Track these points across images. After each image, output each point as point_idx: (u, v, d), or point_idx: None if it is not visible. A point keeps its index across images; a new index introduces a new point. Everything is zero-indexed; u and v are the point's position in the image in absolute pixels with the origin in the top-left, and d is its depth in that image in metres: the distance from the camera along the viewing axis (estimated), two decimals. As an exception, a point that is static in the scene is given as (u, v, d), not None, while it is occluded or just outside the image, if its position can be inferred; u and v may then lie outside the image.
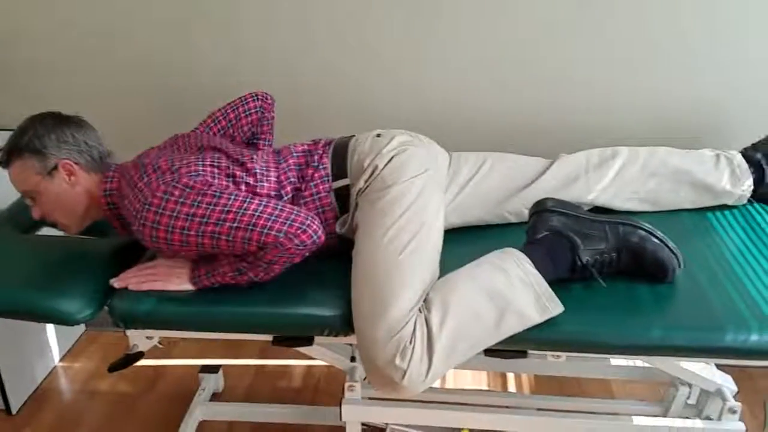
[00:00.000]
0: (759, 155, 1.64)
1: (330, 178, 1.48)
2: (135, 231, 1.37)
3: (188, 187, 1.33)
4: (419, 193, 1.40)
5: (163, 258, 1.46)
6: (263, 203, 1.31)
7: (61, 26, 1.93)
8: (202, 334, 1.47)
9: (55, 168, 1.45)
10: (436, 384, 2.00)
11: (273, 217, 1.28)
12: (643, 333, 1.30)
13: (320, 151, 1.52)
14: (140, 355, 1.49)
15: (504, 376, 2.11)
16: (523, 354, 1.38)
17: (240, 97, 1.69)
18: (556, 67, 1.86)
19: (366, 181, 1.44)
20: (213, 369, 2.03)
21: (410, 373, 1.25)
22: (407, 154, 1.46)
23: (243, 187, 1.42)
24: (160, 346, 1.54)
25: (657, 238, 1.38)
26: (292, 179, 1.48)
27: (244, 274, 1.36)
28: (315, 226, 1.30)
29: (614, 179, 1.61)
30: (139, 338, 1.48)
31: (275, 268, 1.35)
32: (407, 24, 1.84)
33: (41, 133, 1.44)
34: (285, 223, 1.28)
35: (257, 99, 1.69)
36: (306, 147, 1.55)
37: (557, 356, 1.41)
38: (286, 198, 1.46)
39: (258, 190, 1.43)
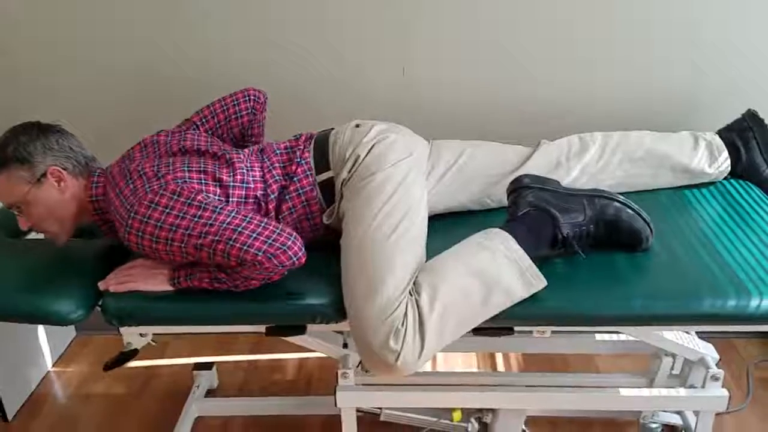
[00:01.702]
0: (734, 135, 1.69)
1: (313, 171, 1.51)
2: (121, 237, 1.38)
3: (175, 194, 1.34)
4: (403, 178, 1.43)
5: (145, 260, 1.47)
6: (247, 219, 1.32)
7: (44, 33, 1.93)
8: (195, 329, 1.49)
9: (44, 175, 1.45)
10: (428, 367, 2.06)
11: (254, 235, 1.29)
12: (625, 303, 1.34)
13: (302, 146, 1.54)
14: (135, 352, 1.51)
15: (493, 357, 2.15)
16: (509, 331, 1.42)
17: (232, 96, 1.68)
18: (535, 58, 1.89)
19: (349, 171, 1.47)
20: (206, 366, 2.05)
21: (404, 354, 1.28)
22: (388, 141, 1.49)
23: (230, 190, 1.43)
24: (154, 343, 1.56)
25: (631, 208, 1.43)
26: (277, 177, 1.50)
27: (222, 283, 1.38)
28: (296, 248, 1.31)
29: (595, 165, 1.64)
30: (133, 336, 1.50)
31: (252, 283, 1.36)
32: (386, 16, 1.86)
33: (25, 142, 1.44)
34: (265, 242, 1.29)
35: (249, 99, 1.68)
36: (288, 144, 1.57)
37: (542, 332, 1.44)
38: (272, 196, 1.48)
39: (245, 191, 1.45)
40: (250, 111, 1.69)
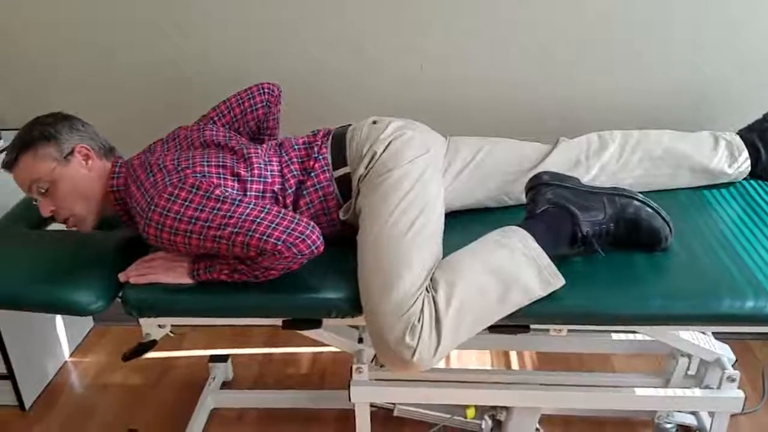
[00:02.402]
0: (754, 135, 1.68)
1: (330, 167, 1.51)
2: (140, 229, 1.39)
3: (194, 188, 1.35)
4: (420, 174, 1.44)
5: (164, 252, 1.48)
6: (266, 210, 1.33)
7: (62, 25, 1.95)
8: (213, 321, 1.50)
9: (71, 153, 1.46)
10: (442, 364, 2.05)
11: (273, 225, 1.30)
12: (643, 303, 1.34)
13: (319, 142, 1.54)
14: (153, 343, 1.52)
15: (507, 355, 2.15)
16: (525, 329, 1.42)
17: (247, 90, 1.69)
18: (554, 55, 1.89)
19: (366, 167, 1.47)
20: (222, 358, 2.07)
21: (420, 350, 1.28)
22: (405, 137, 1.49)
23: (248, 185, 1.44)
24: (172, 335, 1.57)
25: (651, 207, 1.42)
26: (294, 172, 1.51)
27: (242, 274, 1.39)
28: (314, 237, 1.32)
29: (615, 163, 1.63)
30: (152, 327, 1.51)
31: (272, 273, 1.37)
32: (403, 12, 1.87)
33: (51, 122, 1.46)
34: (285, 232, 1.30)
35: (263, 93, 1.69)
36: (306, 139, 1.57)
37: (559, 330, 1.44)
38: (290, 191, 1.49)
39: (262, 185, 1.46)
40: (264, 104, 1.70)
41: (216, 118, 1.67)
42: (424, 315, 1.29)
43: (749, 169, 1.68)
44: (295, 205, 1.49)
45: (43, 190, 1.46)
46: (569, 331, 1.45)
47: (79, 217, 1.50)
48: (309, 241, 1.31)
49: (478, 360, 2.15)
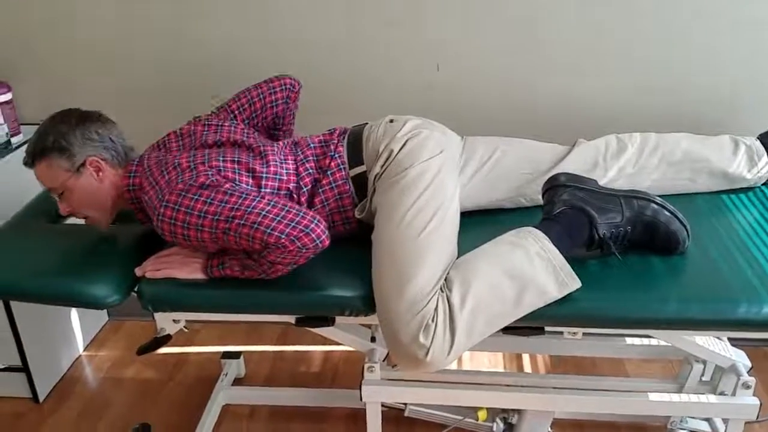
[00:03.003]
0: None
1: (346, 165, 1.51)
2: (155, 226, 1.40)
3: (204, 185, 1.36)
4: (436, 174, 1.43)
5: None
6: (272, 203, 1.33)
7: (82, 23, 1.97)
8: (228, 317, 1.51)
9: (83, 165, 1.48)
10: (454, 365, 2.05)
11: (278, 218, 1.30)
12: (660, 306, 1.33)
13: (335, 141, 1.55)
14: (168, 338, 1.53)
15: (520, 358, 2.15)
16: (540, 330, 1.41)
17: (268, 84, 1.69)
18: (571, 56, 1.88)
19: (382, 166, 1.47)
20: (234, 355, 2.08)
21: (433, 349, 1.28)
22: (421, 137, 1.49)
23: (263, 181, 1.45)
24: (186, 329, 1.58)
25: (668, 210, 1.41)
26: (310, 170, 1.51)
27: (251, 270, 1.39)
28: (318, 231, 1.31)
29: (633, 166, 1.62)
30: (167, 321, 1.52)
31: (279, 268, 1.37)
32: (419, 12, 1.87)
33: (65, 132, 1.47)
34: (289, 225, 1.29)
35: (285, 89, 1.70)
36: (322, 137, 1.58)
37: (574, 333, 1.43)
38: (305, 189, 1.49)
39: (278, 183, 1.46)
40: (285, 100, 1.71)
41: (237, 112, 1.67)
42: (438, 314, 1.29)
43: (768, 173, 1.66)
44: (311, 203, 1.50)
45: (57, 196, 1.51)
46: (584, 334, 1.44)
47: (93, 219, 1.55)
48: (313, 235, 1.30)
49: (491, 362, 2.14)
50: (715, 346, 1.56)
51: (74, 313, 2.22)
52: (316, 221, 1.32)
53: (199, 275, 1.44)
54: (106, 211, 1.54)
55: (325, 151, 1.53)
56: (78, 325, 2.24)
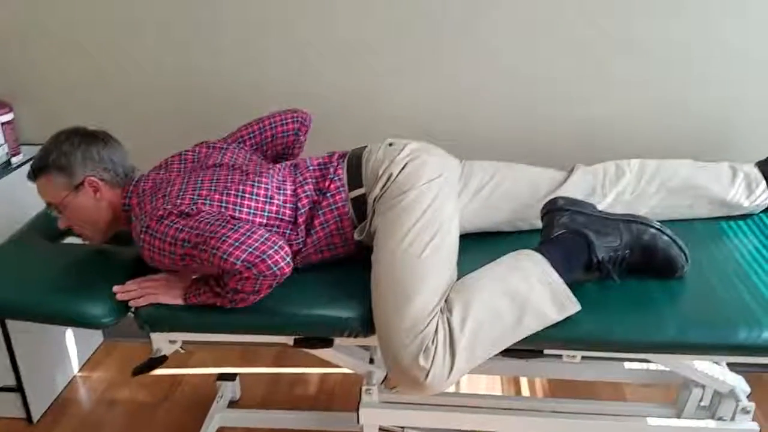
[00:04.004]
0: None
1: (346, 188, 1.52)
2: (139, 250, 1.43)
3: (183, 213, 1.38)
4: (435, 197, 1.44)
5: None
6: (235, 228, 1.31)
7: (83, 39, 1.99)
8: (225, 337, 1.50)
9: (82, 184, 1.51)
10: (452, 388, 2.04)
11: (237, 243, 1.28)
12: (659, 331, 1.33)
13: (335, 163, 1.55)
14: (164, 358, 1.52)
15: (517, 381, 2.13)
16: (539, 353, 1.40)
17: (281, 115, 1.72)
18: (567, 79, 1.90)
19: (382, 189, 1.48)
20: (230, 377, 2.06)
21: (433, 372, 1.28)
22: (420, 160, 1.50)
23: (251, 203, 1.45)
24: (182, 350, 1.57)
25: (667, 235, 1.42)
26: (308, 193, 1.51)
27: (221, 297, 1.39)
28: (277, 257, 1.29)
29: (630, 193, 1.63)
30: (163, 342, 1.51)
31: (243, 296, 1.35)
32: (418, 38, 1.89)
33: (67, 151, 1.51)
34: (246, 251, 1.28)
35: (297, 122, 1.72)
36: (322, 160, 1.58)
37: (572, 356, 1.43)
38: (302, 210, 1.49)
39: (268, 206, 1.47)
40: (295, 132, 1.73)
41: (246, 138, 1.70)
42: (438, 336, 1.29)
43: (767, 201, 1.67)
44: (310, 224, 1.50)
45: (56, 211, 1.55)
46: (583, 357, 1.44)
47: (88, 236, 1.59)
48: (270, 261, 1.28)
49: (489, 386, 2.13)
50: (713, 371, 1.56)
51: (69, 333, 2.20)
52: (276, 247, 1.30)
53: (179, 301, 1.44)
54: (101, 230, 1.57)
55: (325, 173, 1.54)
56: (73, 346, 2.22)
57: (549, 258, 1.37)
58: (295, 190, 1.51)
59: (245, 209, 1.44)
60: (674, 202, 1.64)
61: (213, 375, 2.12)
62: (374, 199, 1.49)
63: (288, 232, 1.48)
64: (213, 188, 1.46)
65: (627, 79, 1.88)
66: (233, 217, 1.41)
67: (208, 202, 1.42)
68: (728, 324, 1.32)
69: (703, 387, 1.70)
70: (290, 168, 1.57)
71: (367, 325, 1.39)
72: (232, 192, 1.45)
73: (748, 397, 1.56)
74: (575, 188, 1.61)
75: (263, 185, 1.48)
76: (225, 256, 1.28)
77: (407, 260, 1.36)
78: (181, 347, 1.55)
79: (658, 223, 1.43)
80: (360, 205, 1.51)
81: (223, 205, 1.43)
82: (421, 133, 1.73)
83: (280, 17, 1.89)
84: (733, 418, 1.54)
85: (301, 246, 1.49)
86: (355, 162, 1.55)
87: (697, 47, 1.82)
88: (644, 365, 1.83)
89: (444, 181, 1.49)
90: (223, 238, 1.29)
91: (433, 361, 1.27)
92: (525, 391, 2.10)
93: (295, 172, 1.56)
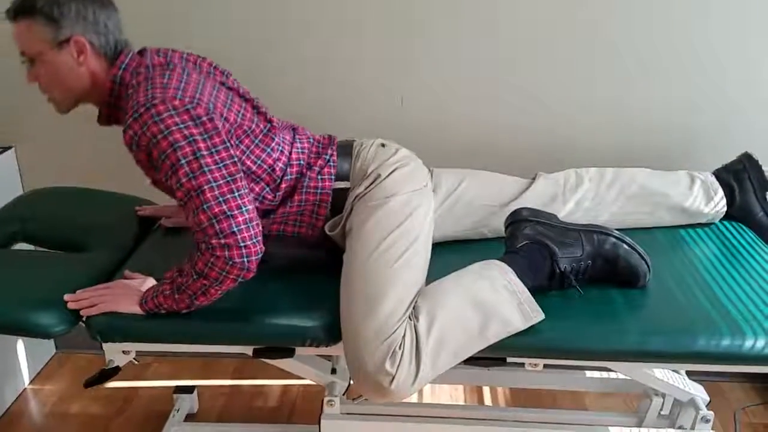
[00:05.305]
0: (730, 176, 1.70)
1: (334, 177, 1.50)
2: (122, 122, 1.32)
3: (199, 118, 1.29)
4: (417, 207, 1.43)
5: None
6: (236, 193, 1.28)
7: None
8: (182, 347, 1.45)
9: (67, 41, 1.36)
10: (415, 398, 2.03)
11: (222, 199, 1.27)
12: (620, 338, 1.33)
13: (334, 148, 1.53)
14: (117, 370, 1.47)
15: (480, 391, 2.12)
16: (502, 361, 1.39)
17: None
18: (532, 89, 1.91)
19: (366, 188, 1.46)
20: (187, 389, 2.01)
21: (399, 378, 1.26)
22: (409, 168, 1.49)
23: (258, 149, 1.42)
24: (136, 362, 1.51)
25: (627, 244, 1.43)
26: (301, 161, 1.49)
27: (182, 292, 1.33)
28: (251, 246, 1.28)
29: (590, 200, 1.64)
30: (116, 353, 1.46)
31: (203, 283, 1.31)
32: (388, 42, 1.88)
33: (61, 1, 1.34)
34: (225, 213, 1.26)
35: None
36: (321, 139, 1.56)
37: (535, 365, 1.43)
38: (289, 177, 1.46)
39: (268, 157, 1.44)
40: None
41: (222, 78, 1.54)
42: (405, 342, 1.28)
43: (725, 208, 1.69)
44: (288, 197, 1.47)
45: (27, 62, 1.39)
46: (545, 366, 1.44)
47: (55, 100, 1.44)
48: (239, 236, 1.27)
49: (452, 396, 2.12)
50: (674, 379, 1.57)
51: (20, 344, 2.13)
52: (255, 240, 1.29)
53: (136, 309, 1.38)
54: (71, 97, 1.42)
55: (320, 152, 1.52)
56: (24, 358, 2.15)
57: (514, 268, 1.37)
58: (290, 151, 1.49)
59: (253, 156, 1.41)
60: (634, 209, 1.66)
61: (170, 387, 2.06)
62: (355, 197, 1.47)
63: (267, 188, 1.45)
64: (228, 109, 1.38)
65: (590, 92, 1.90)
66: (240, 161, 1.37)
67: (223, 121, 1.34)
68: (689, 332, 1.32)
69: (664, 396, 1.72)
70: (289, 129, 1.54)
71: (330, 334, 1.37)
72: (257, 137, 1.42)
73: (707, 405, 1.58)
74: (537, 195, 1.62)
75: (277, 137, 1.46)
76: (206, 205, 1.26)
77: (381, 266, 1.35)
78: (135, 358, 1.49)
79: (618, 233, 1.45)
80: (340, 199, 1.49)
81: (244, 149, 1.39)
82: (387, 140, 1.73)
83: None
84: (693, 427, 1.56)
85: (270, 211, 1.46)
86: (344, 153, 1.53)
87: (657, 60, 1.86)
88: (605, 374, 1.84)
89: (426, 192, 1.49)
90: (214, 185, 1.27)
91: (398, 366, 1.26)
92: (488, 400, 2.09)
93: (294, 134, 1.53)
